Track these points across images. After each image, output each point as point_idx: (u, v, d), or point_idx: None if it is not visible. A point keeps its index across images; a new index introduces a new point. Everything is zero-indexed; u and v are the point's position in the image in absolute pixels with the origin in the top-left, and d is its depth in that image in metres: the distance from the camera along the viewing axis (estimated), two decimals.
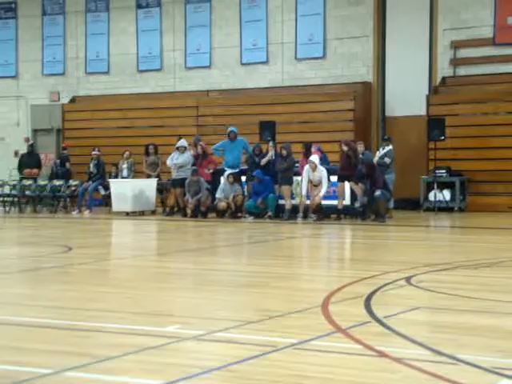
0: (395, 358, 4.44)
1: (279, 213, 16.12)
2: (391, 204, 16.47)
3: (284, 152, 15.97)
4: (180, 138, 17.89)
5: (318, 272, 8.85)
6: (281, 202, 16.22)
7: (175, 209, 17.52)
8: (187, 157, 17.19)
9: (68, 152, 20.73)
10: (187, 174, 16.92)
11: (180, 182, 17.02)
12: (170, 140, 18.66)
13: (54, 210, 19.05)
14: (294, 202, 16.07)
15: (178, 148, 17.28)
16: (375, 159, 16.67)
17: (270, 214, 16.05)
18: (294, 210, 15.93)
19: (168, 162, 17.41)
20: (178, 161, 17.12)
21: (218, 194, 16.35)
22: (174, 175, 17.24)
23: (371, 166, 15.50)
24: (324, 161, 16.21)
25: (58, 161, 20.49)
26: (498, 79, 19.08)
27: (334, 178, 15.95)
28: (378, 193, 15.11)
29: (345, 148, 15.69)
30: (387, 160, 16.51)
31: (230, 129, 17.33)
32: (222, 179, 16.66)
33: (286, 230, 14.23)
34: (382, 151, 16.91)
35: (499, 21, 19.17)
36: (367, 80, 20.29)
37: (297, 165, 16.33)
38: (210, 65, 22.08)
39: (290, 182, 15.98)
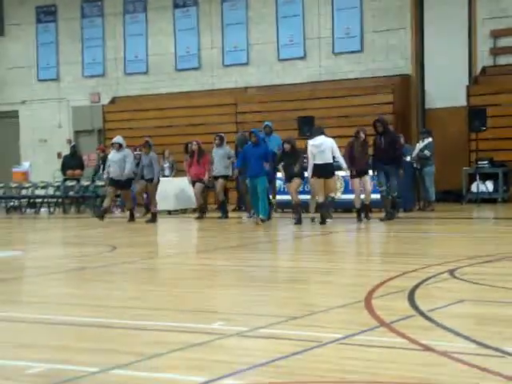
0: (440, 351, 4.42)
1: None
2: (433, 196, 16.34)
3: (287, 146, 14.04)
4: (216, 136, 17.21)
5: (360, 267, 8.82)
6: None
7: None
8: (127, 154, 15.91)
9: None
10: (123, 172, 15.63)
11: (124, 183, 15.75)
12: (209, 138, 18.70)
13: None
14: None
15: (112, 144, 16.20)
16: (415, 152, 16.56)
17: (261, 217, 13.95)
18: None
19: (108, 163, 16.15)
20: (114, 158, 15.80)
21: None
22: (112, 175, 15.79)
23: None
24: None
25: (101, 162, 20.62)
26: None
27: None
28: (382, 191, 13.91)
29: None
30: (427, 152, 16.39)
31: (265, 123, 17.24)
32: None
33: (322, 226, 14.08)
34: (421, 144, 16.78)
35: None
36: (406, 72, 20.13)
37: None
38: (248, 62, 22.11)
39: (302, 177, 14.18)
